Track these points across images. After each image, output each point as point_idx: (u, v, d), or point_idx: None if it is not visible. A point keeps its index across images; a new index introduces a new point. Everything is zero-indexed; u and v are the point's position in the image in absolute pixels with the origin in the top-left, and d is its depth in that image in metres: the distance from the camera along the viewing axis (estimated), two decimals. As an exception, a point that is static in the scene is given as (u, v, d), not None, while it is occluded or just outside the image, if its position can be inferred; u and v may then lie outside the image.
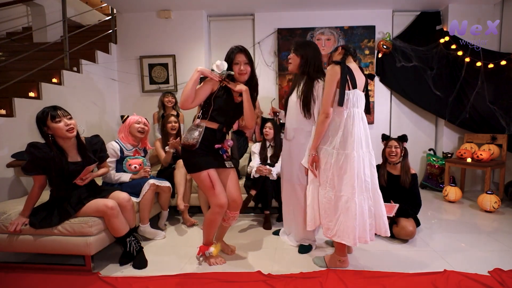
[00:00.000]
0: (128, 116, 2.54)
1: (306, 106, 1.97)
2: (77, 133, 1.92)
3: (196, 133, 1.80)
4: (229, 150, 1.99)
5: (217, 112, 1.85)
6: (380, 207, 1.84)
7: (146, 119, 2.61)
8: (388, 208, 2.24)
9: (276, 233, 2.50)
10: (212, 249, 1.98)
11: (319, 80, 1.96)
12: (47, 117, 1.77)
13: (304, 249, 2.16)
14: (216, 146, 1.89)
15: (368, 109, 1.93)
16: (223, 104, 1.85)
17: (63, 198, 1.90)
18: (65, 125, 1.80)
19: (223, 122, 1.89)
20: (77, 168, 1.87)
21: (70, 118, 1.86)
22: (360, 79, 1.82)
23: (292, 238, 2.29)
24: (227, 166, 1.95)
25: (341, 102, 1.73)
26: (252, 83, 1.94)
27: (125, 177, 2.38)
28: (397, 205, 2.29)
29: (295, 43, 2.05)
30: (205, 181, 1.81)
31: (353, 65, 1.82)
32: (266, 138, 2.83)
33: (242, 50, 1.86)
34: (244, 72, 1.86)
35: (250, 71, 1.89)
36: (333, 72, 1.75)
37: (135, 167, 2.44)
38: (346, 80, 1.73)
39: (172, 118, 2.88)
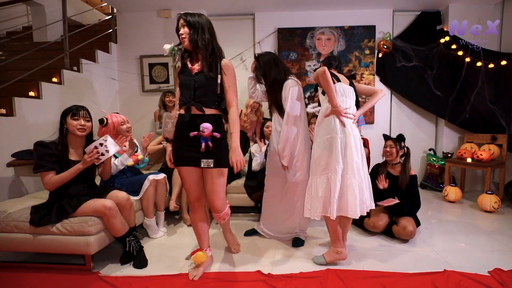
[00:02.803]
0: (107, 119, 2.37)
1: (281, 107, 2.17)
2: (90, 134, 2.02)
3: (169, 125, 1.75)
4: (212, 136, 1.66)
5: (181, 92, 1.71)
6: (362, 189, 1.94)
7: (117, 113, 2.50)
8: (388, 201, 2.32)
9: (249, 233, 2.49)
10: (194, 257, 1.84)
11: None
12: (69, 113, 1.92)
13: (298, 242, 2.25)
14: (191, 134, 1.65)
15: (358, 104, 2.10)
16: (182, 79, 1.71)
17: (62, 195, 1.90)
18: (79, 125, 1.91)
19: (188, 100, 1.67)
20: (94, 172, 1.97)
21: (88, 121, 1.97)
22: (343, 78, 2.06)
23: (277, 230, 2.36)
24: (202, 165, 1.68)
25: None
26: (197, 49, 1.68)
27: (123, 159, 2.33)
28: (397, 201, 2.31)
29: (256, 76, 2.23)
30: (179, 176, 1.80)
31: (334, 71, 2.06)
32: (267, 137, 2.85)
33: (181, 14, 1.67)
34: (184, 36, 1.65)
35: (189, 34, 1.64)
36: (317, 71, 1.90)
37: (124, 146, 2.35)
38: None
39: None
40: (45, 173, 1.84)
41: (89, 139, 2.03)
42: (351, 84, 2.09)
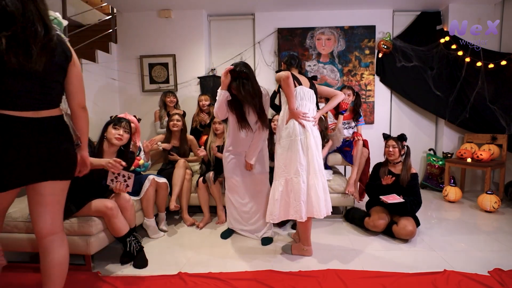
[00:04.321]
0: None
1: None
2: (126, 146, 2.12)
3: None
4: None
5: None
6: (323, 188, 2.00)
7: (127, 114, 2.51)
8: (393, 197, 2.33)
9: (225, 235, 2.45)
10: None
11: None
12: (112, 122, 2.09)
13: (267, 240, 2.30)
14: None
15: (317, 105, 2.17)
16: None
17: (68, 195, 1.89)
18: (118, 134, 2.04)
19: None
20: (101, 173, 1.98)
21: (127, 132, 2.09)
22: (304, 80, 2.10)
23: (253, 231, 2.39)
24: None
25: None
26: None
27: None
28: (402, 200, 2.30)
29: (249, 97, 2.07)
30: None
31: (295, 72, 2.11)
32: (274, 132, 2.85)
33: None
34: None
35: None
36: (280, 74, 1.96)
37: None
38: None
39: (175, 117, 2.92)
40: None
41: (121, 149, 2.10)
42: (312, 86, 2.12)
